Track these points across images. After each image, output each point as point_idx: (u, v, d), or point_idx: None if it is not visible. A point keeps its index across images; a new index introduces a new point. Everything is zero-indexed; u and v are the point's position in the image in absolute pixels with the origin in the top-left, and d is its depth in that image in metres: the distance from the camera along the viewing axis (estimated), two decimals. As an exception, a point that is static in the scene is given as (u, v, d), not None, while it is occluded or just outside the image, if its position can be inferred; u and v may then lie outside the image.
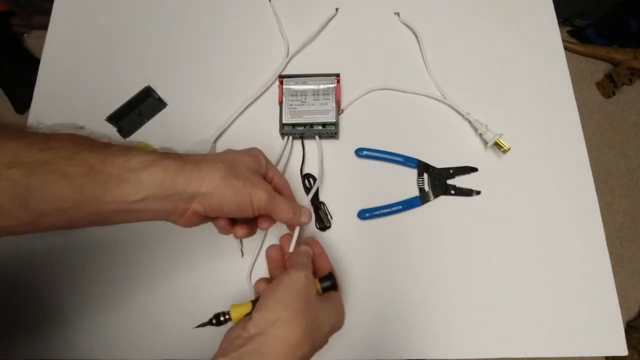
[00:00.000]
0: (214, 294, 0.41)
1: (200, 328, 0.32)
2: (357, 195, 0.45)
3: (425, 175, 0.45)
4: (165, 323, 0.41)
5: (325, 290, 0.35)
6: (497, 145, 0.45)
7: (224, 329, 0.31)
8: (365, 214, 0.44)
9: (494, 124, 0.46)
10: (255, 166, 0.34)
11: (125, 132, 0.47)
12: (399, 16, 0.52)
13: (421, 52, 0.50)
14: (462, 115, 0.47)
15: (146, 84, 0.47)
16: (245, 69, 0.50)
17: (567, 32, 1.36)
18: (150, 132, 0.47)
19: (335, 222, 0.44)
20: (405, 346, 0.41)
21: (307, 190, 0.44)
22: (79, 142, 0.27)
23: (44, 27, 0.51)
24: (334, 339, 0.34)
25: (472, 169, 0.46)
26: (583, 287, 0.42)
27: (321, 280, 0.35)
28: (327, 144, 0.47)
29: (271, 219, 0.36)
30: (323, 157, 0.45)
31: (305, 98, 0.46)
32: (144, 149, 0.30)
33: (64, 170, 0.25)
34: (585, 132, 0.46)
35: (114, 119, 0.46)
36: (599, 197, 0.45)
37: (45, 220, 0.26)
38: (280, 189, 0.37)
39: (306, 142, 0.47)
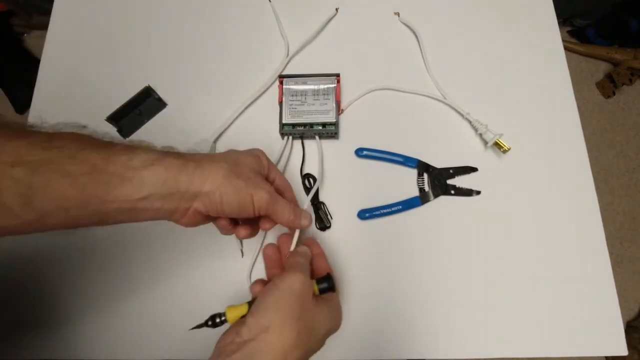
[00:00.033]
0: (213, 294, 0.42)
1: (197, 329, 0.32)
2: (357, 195, 0.45)
3: (425, 175, 0.45)
4: (165, 323, 0.41)
5: (322, 291, 0.34)
6: (497, 145, 0.45)
7: (221, 329, 0.30)
8: (365, 214, 0.44)
9: (494, 124, 0.46)
10: (257, 167, 0.34)
11: (125, 132, 0.47)
12: (399, 16, 0.52)
13: (421, 52, 0.50)
14: (462, 115, 0.47)
15: (146, 84, 0.48)
16: (245, 69, 0.50)
17: (567, 32, 1.36)
18: (150, 132, 0.47)
19: (335, 222, 0.44)
20: (405, 346, 0.41)
21: (307, 190, 0.45)
22: (81, 140, 0.27)
23: (44, 27, 0.52)
24: (334, 339, 0.34)
25: (472, 169, 0.46)
26: (583, 287, 0.42)
27: (319, 281, 0.34)
28: (327, 144, 0.47)
29: (273, 220, 0.35)
30: (323, 157, 0.46)
31: (305, 98, 0.46)
32: (147, 148, 0.30)
33: (66, 169, 0.25)
34: (585, 132, 0.46)
35: (114, 119, 0.46)
36: (599, 197, 0.45)
37: (48, 219, 0.26)
38: (282, 191, 0.37)
39: (306, 142, 0.47)
